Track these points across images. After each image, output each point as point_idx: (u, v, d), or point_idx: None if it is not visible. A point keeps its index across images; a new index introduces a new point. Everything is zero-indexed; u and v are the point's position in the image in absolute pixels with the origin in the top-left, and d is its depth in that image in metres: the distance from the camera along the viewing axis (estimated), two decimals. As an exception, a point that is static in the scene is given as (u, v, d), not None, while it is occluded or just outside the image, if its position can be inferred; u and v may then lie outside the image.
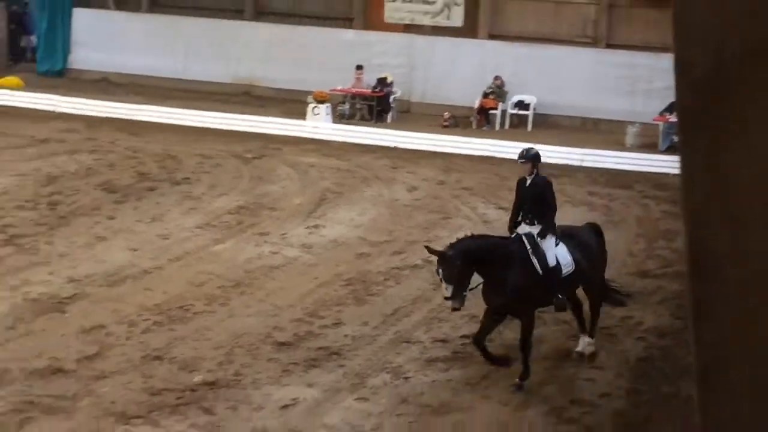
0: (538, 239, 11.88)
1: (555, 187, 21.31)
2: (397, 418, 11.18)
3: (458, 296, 11.38)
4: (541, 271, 11.70)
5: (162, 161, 22.67)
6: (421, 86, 28.55)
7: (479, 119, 27.24)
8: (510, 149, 24.37)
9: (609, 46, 27.20)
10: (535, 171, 12.30)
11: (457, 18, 28.52)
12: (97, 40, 31.99)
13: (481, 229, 18.54)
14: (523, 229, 12.13)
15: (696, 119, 2.67)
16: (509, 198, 20.59)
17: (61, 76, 31.91)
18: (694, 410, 10.63)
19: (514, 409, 11.55)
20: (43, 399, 11.16)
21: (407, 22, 29.01)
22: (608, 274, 16.27)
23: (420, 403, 11.52)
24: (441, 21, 28.67)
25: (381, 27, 29.21)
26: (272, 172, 22.27)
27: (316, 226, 18.32)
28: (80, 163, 22.18)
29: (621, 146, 25.07)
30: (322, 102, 26.61)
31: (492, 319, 11.92)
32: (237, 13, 30.68)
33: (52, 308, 13.90)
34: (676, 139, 23.81)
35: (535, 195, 12.21)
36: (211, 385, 11.65)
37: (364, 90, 27.82)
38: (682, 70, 2.70)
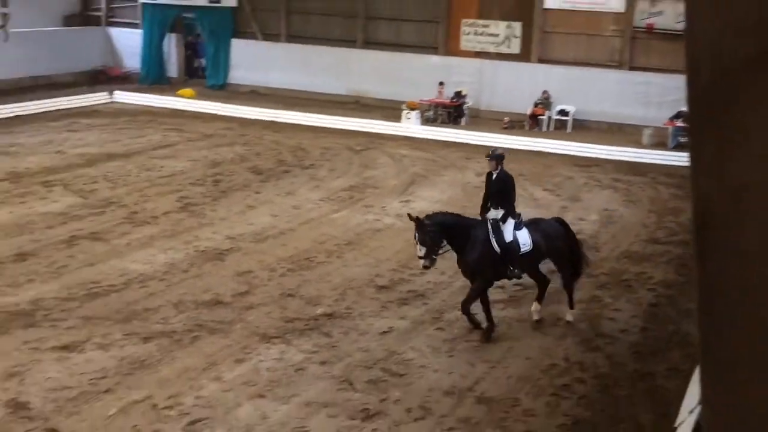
0: (501, 223, 11.14)
1: (587, 175, 21.46)
2: (466, 344, 11.20)
3: (429, 257, 10.76)
4: (499, 250, 10.97)
5: (295, 152, 22.82)
6: (487, 98, 28.28)
7: (531, 123, 26.91)
8: (553, 146, 24.31)
9: (631, 68, 26.58)
10: (499, 167, 11.42)
11: (515, 47, 28.17)
12: (248, 62, 32.26)
13: (530, 204, 18.42)
14: (492, 214, 11.38)
15: (701, 126, 2.38)
16: (553, 182, 20.60)
17: (222, 89, 32.19)
18: (693, 344, 10.51)
19: (554, 339, 11.47)
20: (208, 323, 11.42)
21: (478, 49, 28.73)
22: (627, 241, 16.20)
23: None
24: (503, 49, 28.36)
25: (458, 53, 28.94)
26: (375, 161, 22.26)
27: (407, 201, 18.27)
28: (235, 152, 22.45)
29: (638, 144, 24.52)
30: (413, 109, 26.60)
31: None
32: (350, 43, 30.68)
33: (214, 257, 14.18)
34: (681, 139, 23.52)
35: (500, 187, 11.42)
36: (329, 316, 11.81)
37: (445, 100, 27.66)
38: (690, 78, 2.38)
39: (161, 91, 30.62)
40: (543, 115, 27.01)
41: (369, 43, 30.51)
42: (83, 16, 35.01)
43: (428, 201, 18.29)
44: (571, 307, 11.90)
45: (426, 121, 26.91)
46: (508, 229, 11.11)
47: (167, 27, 33.35)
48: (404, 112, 26.61)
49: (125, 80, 32.82)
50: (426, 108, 27.40)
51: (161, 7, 32.90)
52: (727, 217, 2.29)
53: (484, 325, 11.38)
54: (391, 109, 27.50)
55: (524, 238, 11.15)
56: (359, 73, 30.20)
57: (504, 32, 28.32)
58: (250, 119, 27.19)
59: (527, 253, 11.20)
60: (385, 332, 11.37)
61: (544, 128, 26.80)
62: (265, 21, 32.16)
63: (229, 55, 32.64)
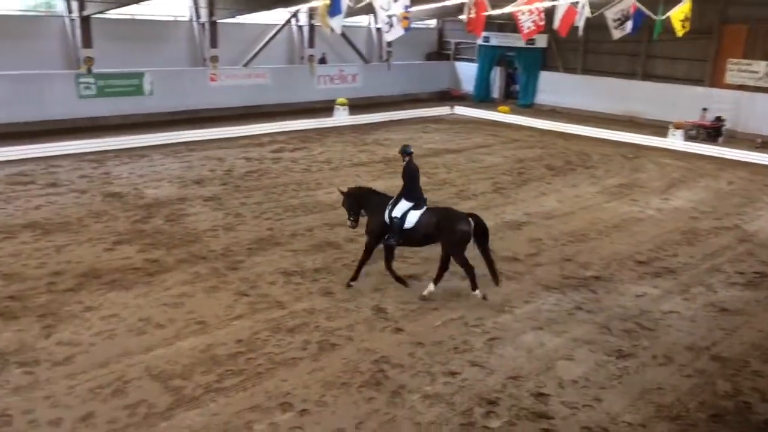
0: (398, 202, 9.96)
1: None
2: (706, 313, 10.15)
3: (350, 219, 10.33)
4: (387, 220, 9.90)
5: (579, 155, 21.89)
6: (743, 122, 25.10)
7: (781, 144, 23.47)
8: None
9: None
10: (406, 160, 9.91)
11: (773, 81, 24.66)
12: (551, 88, 31.51)
13: (775, 211, 16.12)
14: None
15: None
16: (798, 193, 17.81)
17: (530, 107, 31.74)
18: None
19: (786, 321, 10.02)
20: (507, 272, 11.29)
21: (739, 83, 25.49)
22: None
23: (721, 306, 10.36)
24: (761, 83, 24.84)
25: (720, 86, 25.91)
26: (642, 166, 20.65)
27: (666, 199, 16.81)
28: (535, 153, 22.00)
29: None
30: (677, 128, 24.28)
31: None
32: (631, 75, 28.78)
33: (515, 227, 14.06)
34: None
35: (403, 175, 9.98)
36: (596, 278, 11.27)
37: (706, 123, 24.91)
38: None
39: (486, 107, 30.84)
40: (793, 138, 23.38)
41: (646, 75, 28.36)
42: (438, 54, 36.36)
43: (683, 200, 16.71)
44: (474, 287, 10.07)
45: (688, 138, 24.42)
46: (400, 207, 9.92)
47: (494, 62, 33.56)
48: (670, 130, 24.36)
49: (463, 99, 33.53)
50: (690, 128, 24.87)
51: (491, 48, 33.13)
52: None
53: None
54: (658, 127, 25.42)
55: (412, 218, 9.87)
56: (635, 98, 28.23)
57: (764, 70, 24.71)
58: (548, 130, 26.49)
59: (409, 230, 9.91)
60: (639, 296, 10.63)
61: (793, 149, 23.19)
62: (566, 58, 31.14)
63: (537, 82, 32.09)
